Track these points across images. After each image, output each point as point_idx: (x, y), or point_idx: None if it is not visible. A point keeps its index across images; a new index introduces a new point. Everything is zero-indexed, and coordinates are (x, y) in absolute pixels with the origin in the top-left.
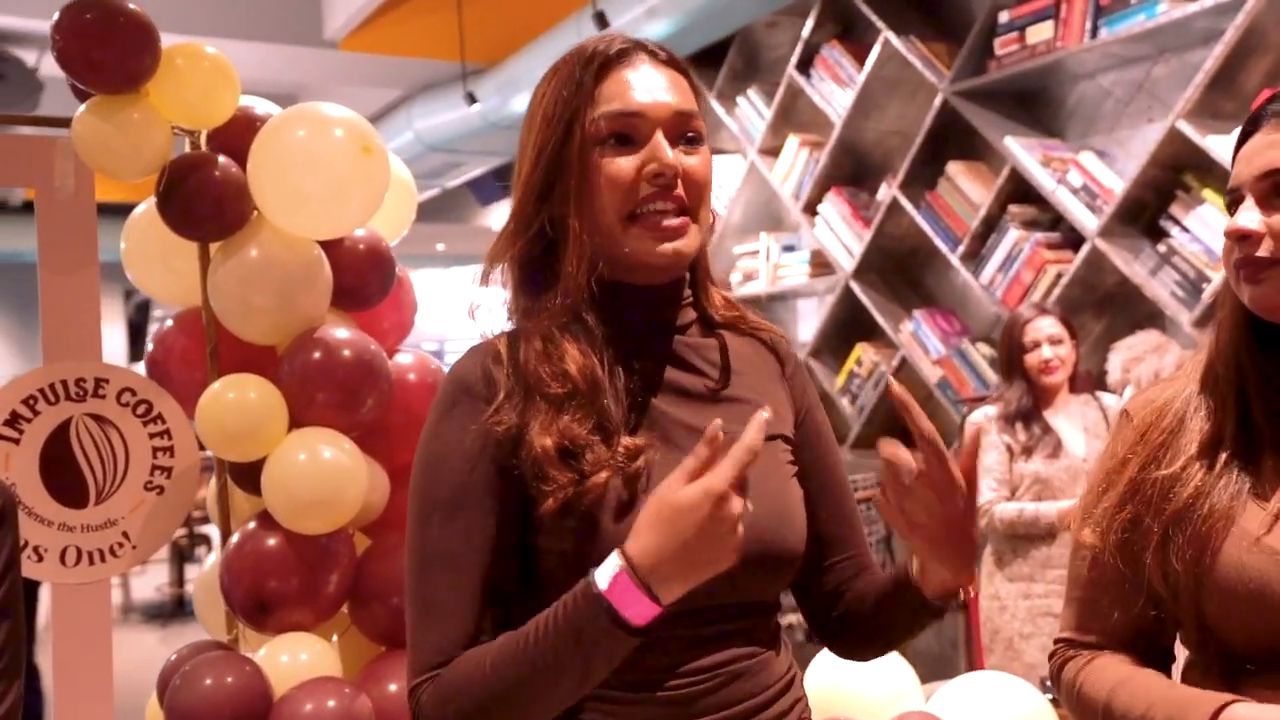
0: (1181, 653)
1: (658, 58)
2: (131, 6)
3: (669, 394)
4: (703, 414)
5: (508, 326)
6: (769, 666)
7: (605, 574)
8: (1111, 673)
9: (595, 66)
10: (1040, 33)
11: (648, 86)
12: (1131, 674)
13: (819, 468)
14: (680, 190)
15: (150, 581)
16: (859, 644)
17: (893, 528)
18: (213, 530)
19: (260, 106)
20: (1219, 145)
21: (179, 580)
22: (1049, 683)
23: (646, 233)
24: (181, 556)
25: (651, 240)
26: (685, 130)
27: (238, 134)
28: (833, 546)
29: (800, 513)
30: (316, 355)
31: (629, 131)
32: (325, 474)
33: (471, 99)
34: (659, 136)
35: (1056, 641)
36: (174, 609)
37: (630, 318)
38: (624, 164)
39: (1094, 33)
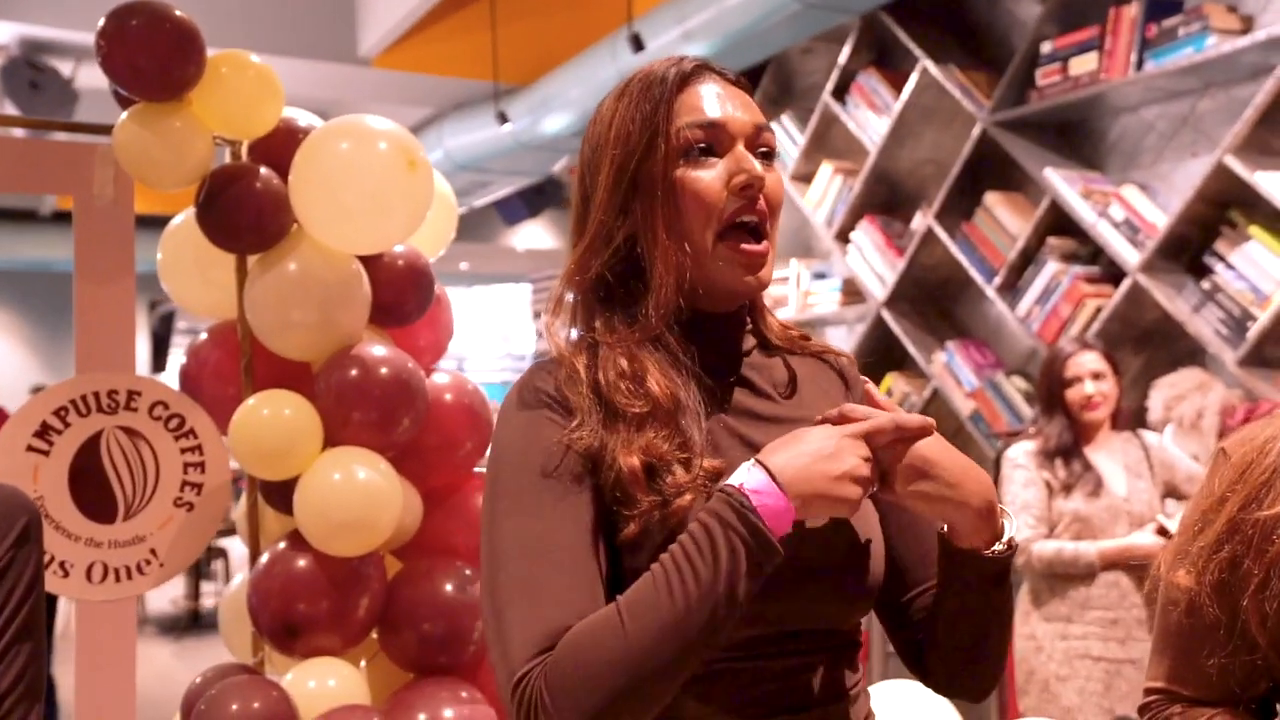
0: None
1: (725, 78)
2: (178, 13)
3: (742, 415)
4: (771, 434)
5: (570, 344)
6: (843, 704)
7: (750, 475)
8: None
9: (672, 82)
10: (1084, 64)
11: (725, 101)
12: None
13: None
14: (763, 204)
15: (165, 594)
16: (946, 661)
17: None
18: (230, 544)
19: (303, 118)
20: (1267, 181)
21: (194, 594)
22: None
23: (734, 255)
24: (197, 569)
25: (740, 267)
26: (761, 144)
27: (280, 145)
28: (915, 577)
29: (878, 540)
30: (353, 373)
31: (713, 141)
32: (359, 495)
33: (503, 119)
34: (741, 148)
35: (1149, 692)
36: (189, 623)
37: (701, 343)
38: (710, 175)
39: (1139, 65)
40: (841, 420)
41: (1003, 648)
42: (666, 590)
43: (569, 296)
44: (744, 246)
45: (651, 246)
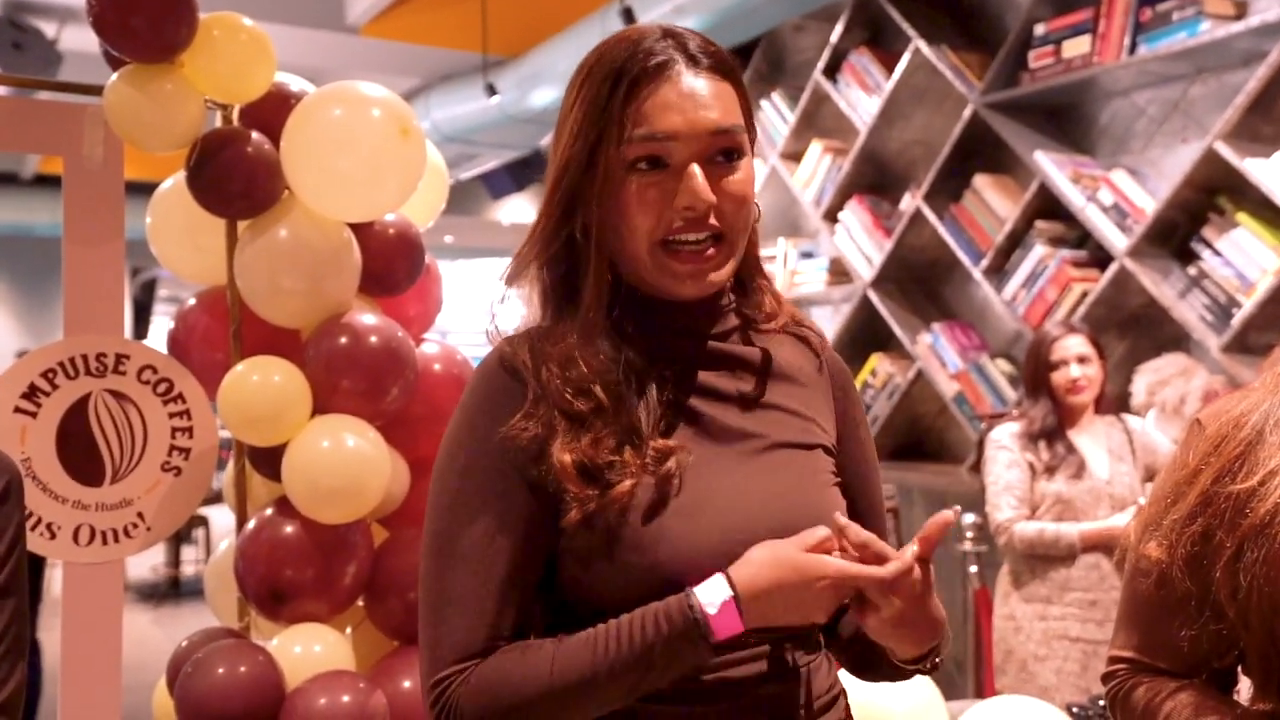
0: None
1: (699, 64)
2: None
3: (704, 396)
4: (740, 416)
5: (524, 328)
6: (807, 683)
7: (713, 597)
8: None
9: (627, 83)
10: (1077, 47)
11: (684, 105)
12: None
13: (856, 484)
14: (714, 219)
15: (145, 561)
16: (858, 670)
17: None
18: (211, 512)
19: (295, 84)
20: (1256, 168)
21: (174, 561)
22: (1074, 709)
23: (676, 262)
24: (178, 537)
25: (681, 275)
26: (723, 147)
27: (271, 111)
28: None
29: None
30: (343, 341)
31: (662, 155)
32: (348, 462)
33: (491, 91)
34: (693, 168)
35: (1115, 661)
36: (168, 589)
37: (661, 326)
38: (654, 194)
39: (1132, 49)
40: (840, 539)
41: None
42: (603, 655)
43: (533, 272)
44: (677, 263)
45: (585, 262)
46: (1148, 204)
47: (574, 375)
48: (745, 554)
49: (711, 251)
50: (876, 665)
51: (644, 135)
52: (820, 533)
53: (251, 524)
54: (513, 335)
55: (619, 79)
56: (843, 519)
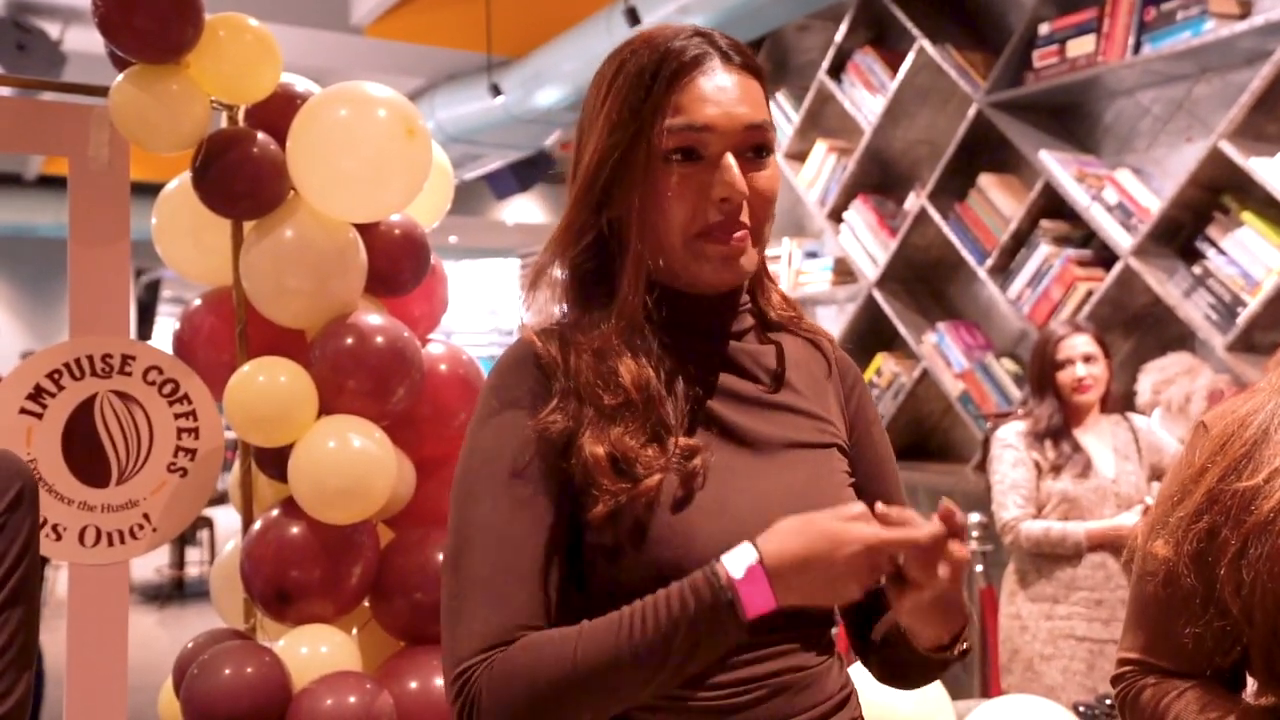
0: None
1: (731, 61)
2: None
3: (724, 397)
4: (757, 417)
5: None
6: (820, 682)
7: (738, 563)
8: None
9: (667, 74)
10: (1081, 46)
11: (720, 99)
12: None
13: (875, 484)
14: (745, 214)
15: (150, 562)
16: (888, 674)
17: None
18: (216, 513)
19: (300, 84)
20: (1261, 167)
21: (179, 562)
22: (1081, 708)
23: (711, 247)
24: (182, 538)
25: (714, 263)
26: (755, 143)
27: (277, 111)
28: None
29: None
30: (349, 341)
31: (698, 147)
32: (355, 463)
33: (496, 91)
34: (729, 159)
35: (1122, 663)
36: (172, 591)
37: (686, 324)
38: (691, 184)
39: (1137, 48)
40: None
41: (933, 677)
42: (626, 637)
43: (556, 273)
44: (712, 247)
45: (623, 250)
46: (1152, 203)
47: (606, 368)
48: (773, 525)
49: (740, 236)
50: (908, 667)
51: (682, 125)
52: (855, 509)
53: (257, 525)
54: (542, 329)
55: (656, 72)
56: (883, 507)
